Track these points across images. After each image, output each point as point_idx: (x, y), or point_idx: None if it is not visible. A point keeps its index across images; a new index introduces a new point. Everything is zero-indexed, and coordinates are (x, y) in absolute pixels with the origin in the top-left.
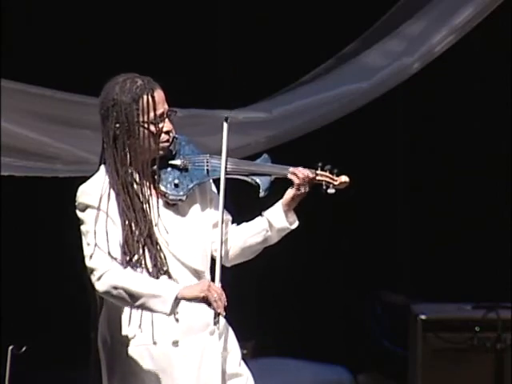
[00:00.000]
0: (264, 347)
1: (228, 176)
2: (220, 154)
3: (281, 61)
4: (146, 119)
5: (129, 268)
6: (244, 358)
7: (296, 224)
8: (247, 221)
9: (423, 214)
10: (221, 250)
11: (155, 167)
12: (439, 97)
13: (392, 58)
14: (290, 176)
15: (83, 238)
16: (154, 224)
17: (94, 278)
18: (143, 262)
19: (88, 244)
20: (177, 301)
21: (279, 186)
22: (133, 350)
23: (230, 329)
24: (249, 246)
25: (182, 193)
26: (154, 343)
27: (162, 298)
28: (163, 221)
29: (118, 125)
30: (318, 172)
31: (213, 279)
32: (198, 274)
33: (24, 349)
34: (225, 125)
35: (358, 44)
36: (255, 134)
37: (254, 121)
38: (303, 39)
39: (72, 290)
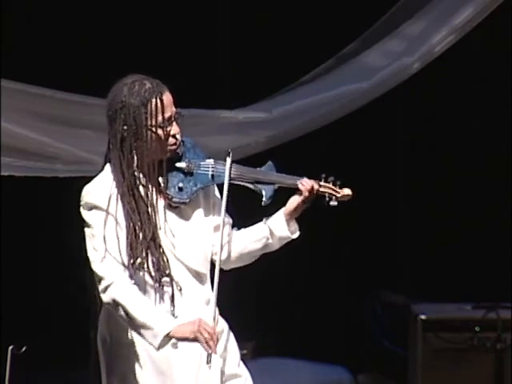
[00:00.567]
0: (264, 347)
1: (232, 182)
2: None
3: (281, 61)
4: (154, 123)
5: (135, 287)
6: (244, 358)
7: (297, 234)
8: (248, 226)
9: (423, 214)
10: (220, 255)
11: (163, 170)
12: (439, 97)
13: (392, 58)
14: (296, 186)
15: (88, 240)
16: (158, 227)
17: (100, 286)
18: (146, 266)
19: (95, 249)
20: (167, 338)
21: (281, 194)
22: (132, 351)
23: (229, 329)
24: (248, 252)
25: (185, 196)
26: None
27: (153, 332)
28: (163, 222)
29: (125, 127)
30: (322, 183)
31: (212, 283)
32: (199, 277)
33: (24, 349)
34: (228, 160)
35: (357, 44)
36: (255, 134)
37: (254, 121)
38: (303, 39)
39: (72, 290)
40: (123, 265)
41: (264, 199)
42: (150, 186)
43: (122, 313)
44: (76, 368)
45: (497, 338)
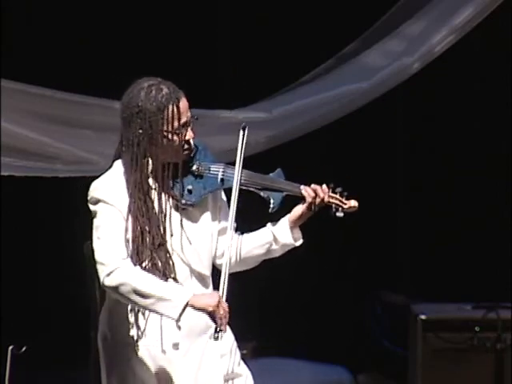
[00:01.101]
0: (264, 347)
1: (241, 187)
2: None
3: (281, 61)
4: (169, 128)
5: (138, 267)
6: (244, 358)
7: (300, 241)
8: (251, 230)
9: (423, 214)
10: (229, 258)
11: (179, 173)
12: (439, 97)
13: (392, 58)
14: (302, 195)
15: (94, 232)
16: (167, 232)
17: (103, 273)
18: (151, 270)
19: (98, 238)
20: (186, 307)
21: (289, 201)
22: (133, 350)
23: (229, 329)
24: (251, 257)
25: (193, 199)
26: (155, 344)
27: (172, 303)
28: (173, 224)
29: (140, 131)
30: (330, 194)
31: (215, 286)
32: (203, 279)
33: (24, 349)
34: (241, 133)
35: (357, 44)
36: (255, 134)
37: (254, 121)
38: (303, 39)
39: (72, 290)
40: (126, 256)
41: (271, 206)
42: (161, 190)
43: (133, 293)
44: (76, 368)
45: (497, 338)
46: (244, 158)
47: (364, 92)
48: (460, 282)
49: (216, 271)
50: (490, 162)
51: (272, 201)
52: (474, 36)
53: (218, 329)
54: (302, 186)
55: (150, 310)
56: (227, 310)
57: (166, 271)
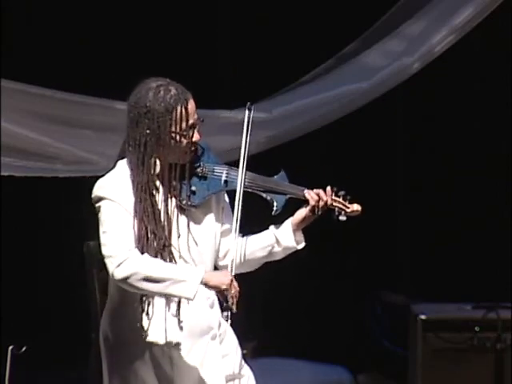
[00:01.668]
0: (264, 347)
1: (244, 190)
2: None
3: (281, 61)
4: (177, 130)
5: (146, 254)
6: (244, 358)
7: (303, 244)
8: (254, 232)
9: (423, 214)
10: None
11: (185, 174)
12: (439, 97)
13: (392, 58)
14: (305, 198)
15: (100, 228)
16: (173, 233)
17: (112, 265)
18: None
19: (104, 232)
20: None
21: (293, 204)
22: (134, 351)
23: (231, 329)
24: (253, 259)
25: (197, 201)
26: (156, 344)
27: (187, 283)
28: (179, 226)
29: (148, 131)
30: (333, 197)
31: None
32: None
33: (24, 349)
34: (246, 113)
35: (357, 44)
36: (255, 134)
37: (254, 121)
38: (303, 39)
39: (72, 290)
40: (133, 247)
41: (275, 209)
42: (166, 191)
43: (145, 281)
44: (76, 368)
45: (497, 338)
46: (244, 158)
47: (364, 92)
48: (460, 282)
49: None
50: (490, 162)
51: (275, 203)
52: (474, 36)
53: (229, 308)
54: (306, 190)
55: (165, 294)
56: (238, 289)
57: None
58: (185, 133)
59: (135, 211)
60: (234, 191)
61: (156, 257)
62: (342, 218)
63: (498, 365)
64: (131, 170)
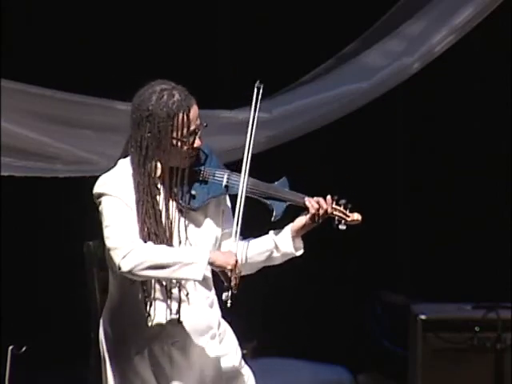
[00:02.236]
0: (264, 347)
1: (245, 195)
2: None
3: (281, 61)
4: (178, 136)
5: (150, 242)
6: (244, 358)
7: (301, 251)
8: (254, 237)
9: (423, 214)
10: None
11: (184, 179)
12: (439, 97)
13: (392, 58)
14: (306, 206)
15: (103, 224)
16: (174, 235)
17: (117, 257)
18: None
19: (107, 226)
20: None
21: (294, 210)
22: (134, 350)
23: (230, 329)
24: (251, 263)
25: (196, 204)
26: (156, 343)
27: (194, 265)
28: (179, 228)
29: (149, 134)
30: (334, 206)
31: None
32: (205, 280)
33: (24, 349)
34: (255, 91)
35: (357, 44)
36: (255, 134)
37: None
38: (303, 39)
39: (72, 290)
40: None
41: (274, 215)
42: (168, 194)
43: (152, 269)
44: (76, 368)
45: (497, 337)
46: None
47: (364, 92)
48: (460, 282)
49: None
50: (490, 161)
51: (275, 210)
52: (474, 36)
53: (231, 288)
54: (306, 197)
55: (173, 279)
56: (241, 270)
57: None
58: (185, 139)
59: (137, 212)
60: (235, 196)
61: None
62: (342, 226)
63: (498, 365)
64: (133, 170)
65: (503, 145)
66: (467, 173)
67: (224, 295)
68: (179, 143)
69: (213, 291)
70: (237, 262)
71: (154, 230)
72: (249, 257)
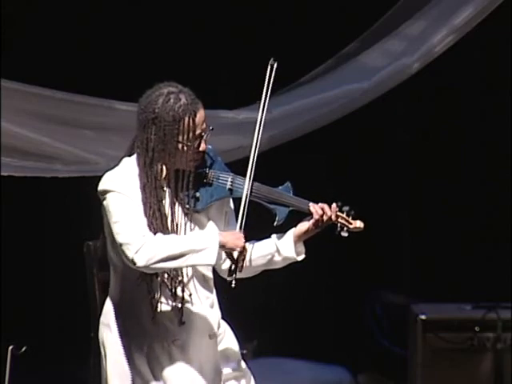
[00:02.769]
0: (264, 347)
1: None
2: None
3: (281, 61)
4: (183, 139)
5: (159, 234)
6: (244, 358)
7: (303, 256)
8: (257, 240)
9: (423, 214)
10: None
11: (189, 182)
12: (439, 97)
13: (392, 58)
14: (308, 211)
15: (110, 221)
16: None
17: (130, 252)
18: (160, 273)
19: (116, 222)
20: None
21: (295, 215)
22: (134, 349)
23: (230, 329)
24: (252, 266)
25: (200, 206)
26: (156, 340)
27: (206, 250)
28: (181, 228)
29: (154, 137)
30: (337, 213)
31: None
32: (205, 281)
33: (24, 349)
34: (269, 69)
35: (357, 44)
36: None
37: (254, 121)
38: (303, 39)
39: (72, 290)
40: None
41: (277, 219)
42: (173, 197)
43: (166, 261)
44: (76, 368)
45: (497, 337)
46: (243, 158)
47: (364, 92)
48: (460, 282)
49: (216, 275)
50: (490, 161)
51: (277, 214)
52: (474, 36)
53: (236, 271)
54: (310, 203)
55: (188, 266)
56: (247, 251)
57: (176, 273)
58: (189, 143)
59: (144, 213)
60: (239, 198)
61: None
62: (344, 233)
63: (497, 365)
64: (139, 170)
65: (503, 145)
66: (467, 173)
67: (229, 279)
68: (184, 147)
69: (214, 292)
70: (244, 243)
71: (161, 231)
72: (250, 259)
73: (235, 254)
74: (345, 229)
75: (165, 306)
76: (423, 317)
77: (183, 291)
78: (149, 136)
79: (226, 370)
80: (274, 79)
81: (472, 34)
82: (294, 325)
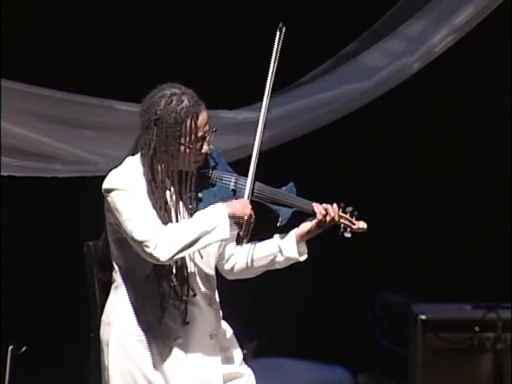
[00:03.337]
0: (264, 347)
1: (252, 199)
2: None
3: (280, 61)
4: (185, 141)
5: (170, 224)
6: (244, 357)
7: (305, 256)
8: (259, 240)
9: (423, 214)
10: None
11: (191, 183)
12: (439, 97)
13: (392, 57)
14: (311, 212)
15: (120, 220)
16: None
17: (150, 249)
18: (168, 272)
19: (128, 219)
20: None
21: (298, 215)
22: (135, 349)
23: (231, 329)
24: (254, 266)
25: (202, 206)
26: (158, 338)
27: (218, 228)
28: None
29: (157, 138)
30: (340, 214)
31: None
32: (207, 279)
33: (24, 349)
34: (277, 34)
35: (357, 44)
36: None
37: (254, 121)
38: (303, 39)
39: (72, 290)
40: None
41: (280, 220)
42: (178, 199)
43: (184, 249)
44: (76, 368)
45: (497, 337)
46: (243, 159)
47: (364, 92)
48: (460, 282)
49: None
50: (490, 161)
51: (281, 215)
52: (474, 36)
53: (244, 238)
54: (314, 204)
55: (206, 246)
56: (253, 217)
57: (182, 273)
58: (191, 145)
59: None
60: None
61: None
62: (347, 234)
63: (497, 365)
64: (143, 169)
65: (503, 145)
66: (467, 173)
67: (236, 241)
68: (187, 149)
69: (216, 292)
70: (251, 210)
71: None
72: (252, 260)
73: (244, 222)
74: (348, 229)
75: (170, 305)
76: (423, 317)
77: (188, 291)
78: (151, 137)
79: (227, 370)
80: (281, 47)
81: (472, 34)
82: (294, 325)
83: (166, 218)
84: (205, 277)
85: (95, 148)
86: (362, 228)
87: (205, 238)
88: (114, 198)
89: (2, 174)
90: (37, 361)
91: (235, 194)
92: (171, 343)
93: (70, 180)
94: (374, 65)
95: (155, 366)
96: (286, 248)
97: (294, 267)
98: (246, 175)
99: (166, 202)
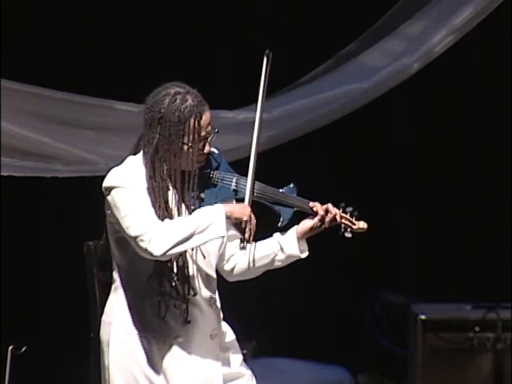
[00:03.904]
0: (264, 347)
1: (253, 199)
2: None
3: (281, 61)
4: (188, 141)
5: (166, 220)
6: (244, 357)
7: (306, 254)
8: (259, 240)
9: (423, 214)
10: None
11: (193, 183)
12: (439, 97)
13: (392, 57)
14: (311, 212)
15: (118, 216)
16: None
17: (144, 244)
18: (169, 272)
19: (125, 216)
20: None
21: (298, 214)
22: (135, 349)
23: (231, 330)
24: (255, 266)
25: (203, 207)
26: (158, 337)
27: (213, 225)
28: None
29: (160, 137)
30: (341, 214)
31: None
32: (208, 280)
33: (24, 349)
34: (265, 60)
35: (357, 44)
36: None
37: (253, 121)
38: (303, 39)
39: (72, 290)
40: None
41: (281, 220)
42: (180, 198)
43: (179, 244)
44: (76, 368)
45: (497, 337)
46: (243, 159)
47: (364, 92)
48: (460, 282)
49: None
50: (490, 161)
51: (282, 215)
52: (474, 36)
53: (247, 241)
54: (311, 203)
55: (201, 244)
56: (255, 221)
57: (183, 273)
58: (194, 145)
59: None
60: (243, 200)
61: (172, 262)
62: (348, 234)
63: (497, 365)
64: (146, 169)
65: (503, 145)
66: (468, 172)
67: (241, 246)
68: (189, 148)
69: (216, 293)
70: (251, 212)
71: None
72: (253, 260)
73: (244, 224)
74: (348, 230)
75: (171, 304)
76: (423, 317)
77: (189, 290)
78: (154, 135)
79: (227, 370)
80: (269, 71)
81: (472, 34)
82: (294, 325)
83: (166, 217)
84: (205, 277)
85: (95, 148)
86: (363, 228)
87: (199, 234)
88: (113, 196)
89: (2, 173)
90: (37, 361)
91: (236, 194)
92: (172, 342)
93: (70, 180)
94: (373, 65)
95: (156, 365)
96: (286, 245)
97: (294, 267)
98: (246, 175)
99: (167, 201)
